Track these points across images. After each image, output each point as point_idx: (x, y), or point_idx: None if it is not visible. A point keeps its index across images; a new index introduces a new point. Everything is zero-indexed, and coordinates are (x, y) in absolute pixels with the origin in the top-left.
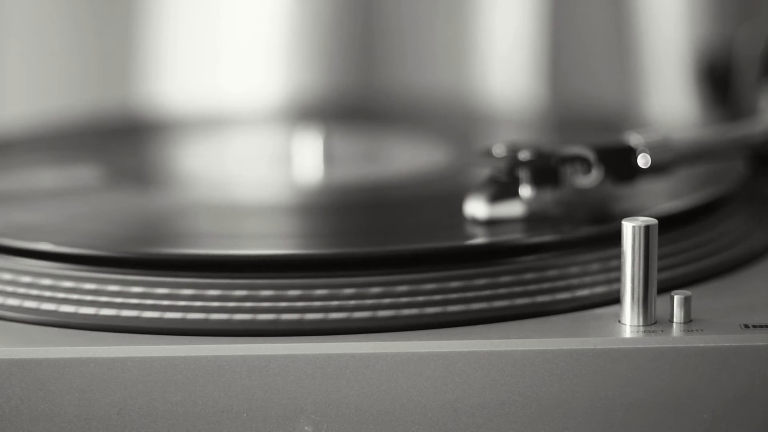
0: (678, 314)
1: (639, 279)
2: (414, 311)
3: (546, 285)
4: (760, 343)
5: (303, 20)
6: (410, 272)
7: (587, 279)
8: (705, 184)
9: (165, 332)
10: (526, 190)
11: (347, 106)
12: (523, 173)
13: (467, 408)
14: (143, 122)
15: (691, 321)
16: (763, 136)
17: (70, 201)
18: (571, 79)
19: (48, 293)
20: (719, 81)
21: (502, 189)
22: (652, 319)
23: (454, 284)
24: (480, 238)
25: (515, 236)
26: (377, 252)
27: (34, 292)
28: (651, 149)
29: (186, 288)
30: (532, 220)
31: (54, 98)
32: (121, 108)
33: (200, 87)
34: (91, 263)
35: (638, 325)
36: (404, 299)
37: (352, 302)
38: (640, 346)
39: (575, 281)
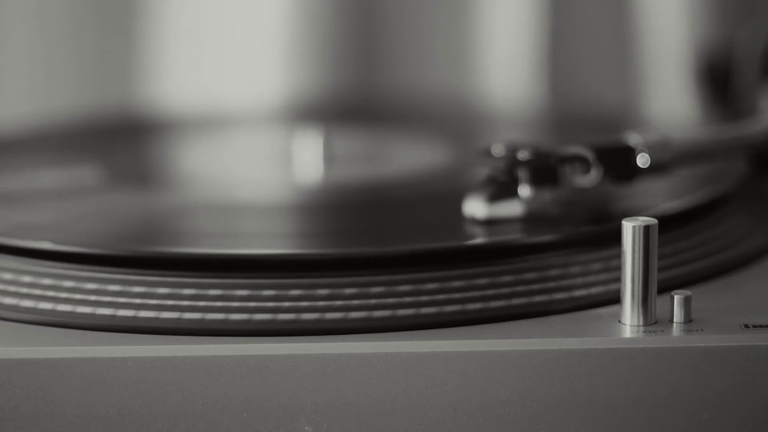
0: (678, 314)
1: (639, 279)
2: (413, 311)
3: (546, 285)
4: (760, 343)
5: (303, 20)
6: (410, 272)
7: (587, 279)
8: (705, 184)
9: (165, 332)
10: (525, 190)
11: (347, 106)
12: (522, 173)
13: (467, 408)
14: (143, 122)
15: (691, 321)
16: (763, 136)
17: (70, 201)
18: (571, 79)
19: (48, 293)
20: (719, 81)
21: (501, 189)
22: (652, 319)
23: (454, 284)
24: (479, 238)
25: (514, 236)
26: (377, 252)
27: (34, 291)
28: (650, 149)
29: (186, 288)
30: (532, 219)
31: (54, 98)
32: (121, 108)
33: (200, 87)
34: (92, 262)
35: (638, 325)
36: (404, 299)
37: (352, 302)
38: (640, 346)
39: (575, 281)
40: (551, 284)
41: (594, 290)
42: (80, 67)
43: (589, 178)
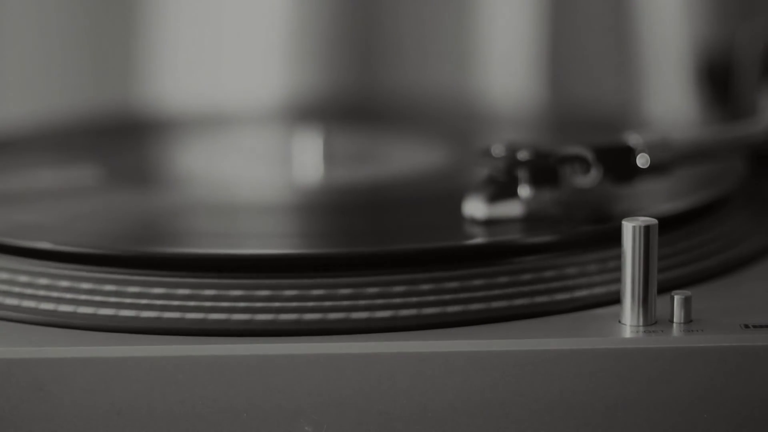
0: (678, 314)
1: (639, 279)
2: (413, 311)
3: (545, 285)
4: (760, 343)
5: (303, 20)
6: (409, 272)
7: (587, 279)
8: (705, 184)
9: (164, 332)
10: (524, 190)
11: (347, 106)
12: (521, 173)
13: (467, 408)
14: (143, 122)
15: (691, 321)
16: (763, 136)
17: (70, 201)
18: (571, 79)
19: (47, 293)
20: (719, 81)
21: (501, 189)
22: (652, 319)
23: (453, 284)
24: (479, 238)
25: (514, 236)
26: (376, 252)
27: (34, 291)
28: (650, 149)
29: (185, 288)
30: (531, 220)
31: (54, 98)
32: (121, 108)
33: (200, 87)
34: (91, 262)
35: (638, 325)
36: (403, 299)
37: (352, 302)
38: (640, 346)
39: (575, 281)
40: (551, 284)
41: (594, 290)
42: (80, 67)
43: (589, 178)
